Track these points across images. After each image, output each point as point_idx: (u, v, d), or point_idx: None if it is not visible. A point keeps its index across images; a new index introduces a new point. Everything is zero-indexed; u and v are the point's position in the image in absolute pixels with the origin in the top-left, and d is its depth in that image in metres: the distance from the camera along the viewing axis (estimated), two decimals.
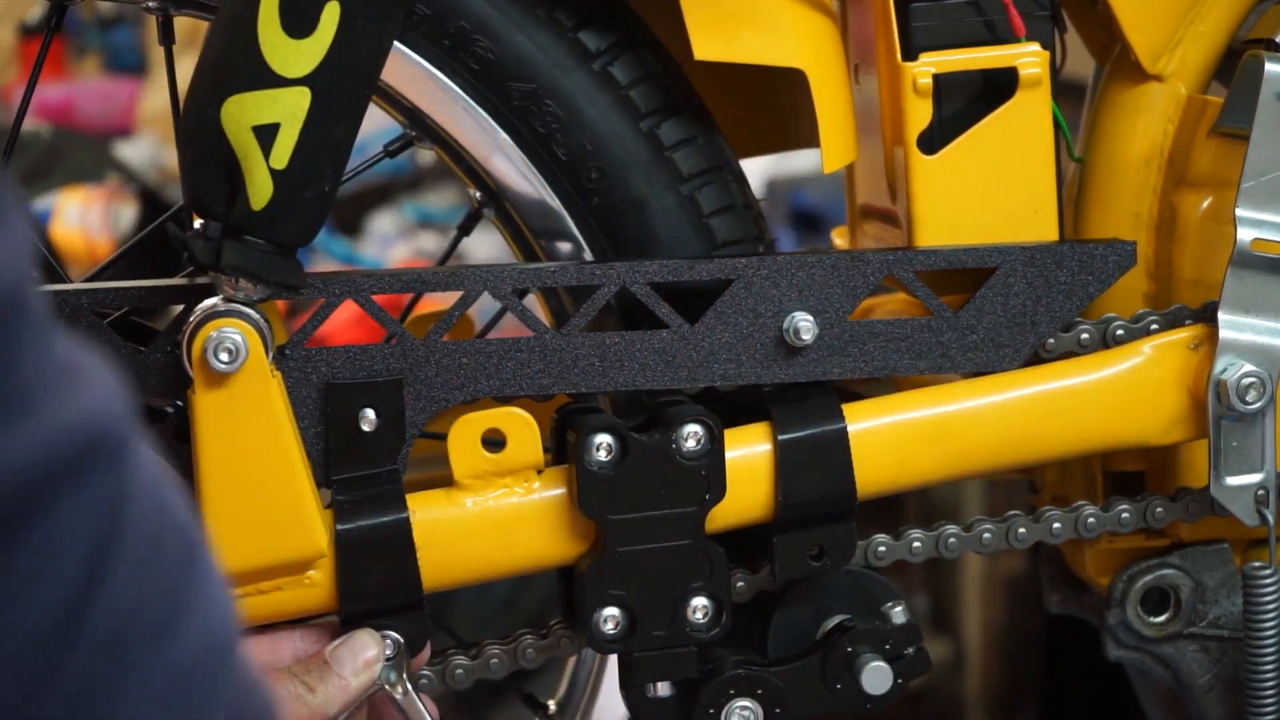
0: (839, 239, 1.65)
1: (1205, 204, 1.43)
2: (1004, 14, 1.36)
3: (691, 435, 1.29)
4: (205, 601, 0.77)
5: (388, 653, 1.26)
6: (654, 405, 1.32)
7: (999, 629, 3.16)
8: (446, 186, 4.41)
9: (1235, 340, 1.34)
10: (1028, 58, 1.36)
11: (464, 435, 1.28)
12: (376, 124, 1.51)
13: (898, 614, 1.35)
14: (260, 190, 1.21)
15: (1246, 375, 1.33)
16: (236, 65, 1.20)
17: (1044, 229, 1.37)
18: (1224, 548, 1.45)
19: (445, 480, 1.30)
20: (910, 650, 1.35)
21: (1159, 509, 1.39)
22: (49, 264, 1.41)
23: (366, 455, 1.28)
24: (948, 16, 1.37)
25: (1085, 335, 1.36)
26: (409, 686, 1.26)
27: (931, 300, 1.34)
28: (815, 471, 1.31)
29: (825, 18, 1.35)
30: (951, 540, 1.38)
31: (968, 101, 1.37)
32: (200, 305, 1.24)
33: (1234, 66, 1.40)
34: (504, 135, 1.34)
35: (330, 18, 1.20)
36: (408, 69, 1.32)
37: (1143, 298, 1.46)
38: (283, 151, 1.20)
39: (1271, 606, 1.36)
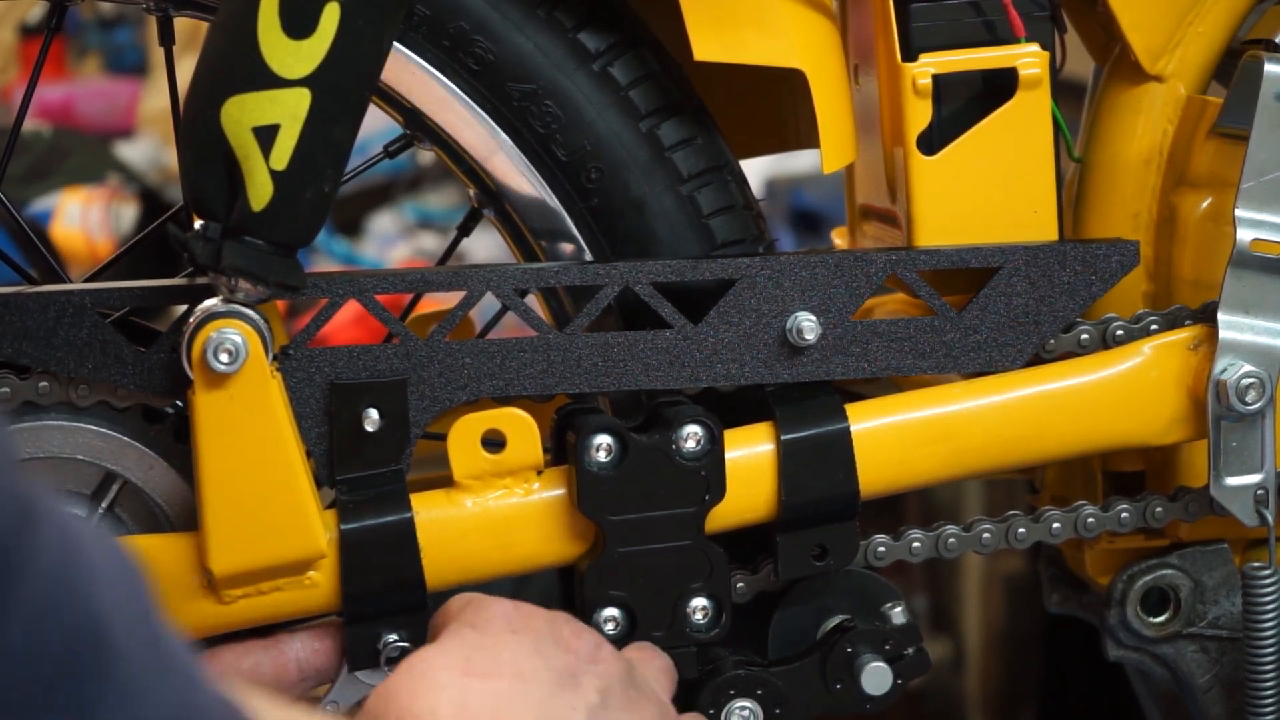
0: (839, 239, 1.65)
1: (1205, 204, 1.43)
2: (1004, 14, 1.36)
3: (691, 436, 1.29)
4: None
5: None
6: (654, 406, 1.32)
7: (999, 629, 3.16)
8: (446, 186, 4.41)
9: (1235, 340, 1.34)
10: (1027, 58, 1.36)
11: (464, 436, 1.28)
12: (376, 124, 1.51)
13: (898, 614, 1.35)
14: (260, 191, 1.20)
15: (1246, 375, 1.33)
16: (236, 66, 1.20)
17: (1044, 229, 1.37)
18: (1223, 548, 1.45)
19: (445, 481, 1.30)
20: (910, 650, 1.35)
21: (1159, 509, 1.39)
22: (49, 264, 1.41)
23: (370, 455, 1.28)
24: (947, 17, 1.37)
25: (1085, 336, 1.36)
26: None
27: (935, 300, 1.34)
28: (818, 471, 1.31)
29: (825, 18, 1.35)
30: (951, 540, 1.38)
31: (967, 102, 1.37)
32: (200, 306, 1.24)
33: (1234, 66, 1.40)
34: (504, 135, 1.34)
35: (330, 18, 1.20)
36: (408, 69, 1.32)
37: (1142, 298, 1.46)
38: (283, 152, 1.20)
39: (1271, 606, 1.36)
